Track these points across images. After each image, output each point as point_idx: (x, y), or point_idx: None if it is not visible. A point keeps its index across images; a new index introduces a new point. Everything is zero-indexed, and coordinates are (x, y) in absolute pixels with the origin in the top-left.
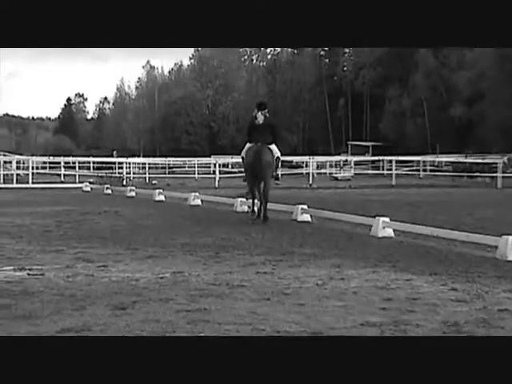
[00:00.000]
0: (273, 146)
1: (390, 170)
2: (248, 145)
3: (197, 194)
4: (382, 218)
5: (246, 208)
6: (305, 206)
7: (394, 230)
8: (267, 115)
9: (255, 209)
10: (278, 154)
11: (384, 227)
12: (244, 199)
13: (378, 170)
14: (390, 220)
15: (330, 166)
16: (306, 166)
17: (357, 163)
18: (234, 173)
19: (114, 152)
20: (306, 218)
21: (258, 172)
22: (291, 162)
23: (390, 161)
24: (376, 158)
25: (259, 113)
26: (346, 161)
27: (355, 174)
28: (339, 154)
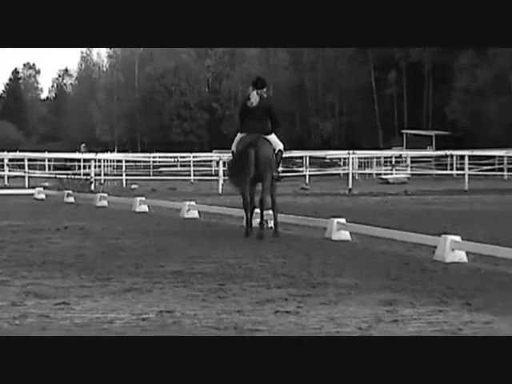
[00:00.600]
0: (272, 137)
1: (462, 169)
2: (239, 135)
3: (193, 203)
4: (450, 237)
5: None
6: (343, 220)
7: (468, 253)
8: (264, 95)
9: (253, 222)
10: (280, 146)
11: (453, 249)
12: (258, 210)
13: (445, 169)
14: (462, 239)
15: (378, 165)
16: (345, 164)
17: (415, 160)
18: None
19: (82, 145)
20: (345, 235)
21: (255, 171)
22: (323, 158)
23: (462, 157)
24: (442, 152)
25: (254, 92)
26: (400, 157)
27: (412, 174)
28: (390, 148)
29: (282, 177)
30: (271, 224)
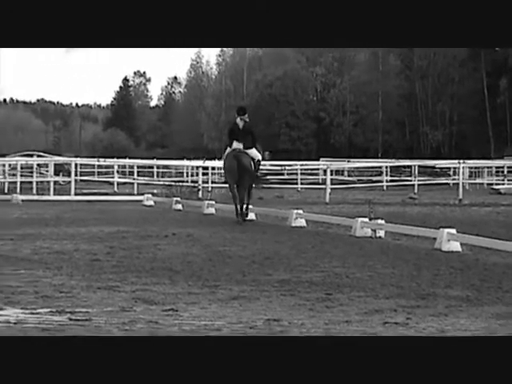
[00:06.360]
0: (252, 150)
1: None
2: (228, 149)
3: (300, 211)
4: None
5: (368, 232)
6: (453, 231)
7: None
8: (247, 120)
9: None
10: (259, 157)
11: None
12: (367, 219)
13: None
14: None
15: (489, 175)
16: (455, 173)
17: None
18: (352, 182)
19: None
20: (455, 246)
21: (238, 177)
22: (433, 167)
23: None
24: None
25: (238, 118)
26: None
27: None
28: (502, 158)
29: (261, 179)
30: (379, 233)
